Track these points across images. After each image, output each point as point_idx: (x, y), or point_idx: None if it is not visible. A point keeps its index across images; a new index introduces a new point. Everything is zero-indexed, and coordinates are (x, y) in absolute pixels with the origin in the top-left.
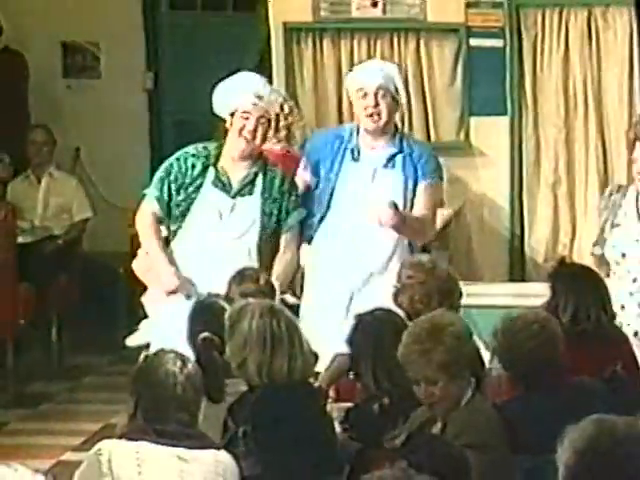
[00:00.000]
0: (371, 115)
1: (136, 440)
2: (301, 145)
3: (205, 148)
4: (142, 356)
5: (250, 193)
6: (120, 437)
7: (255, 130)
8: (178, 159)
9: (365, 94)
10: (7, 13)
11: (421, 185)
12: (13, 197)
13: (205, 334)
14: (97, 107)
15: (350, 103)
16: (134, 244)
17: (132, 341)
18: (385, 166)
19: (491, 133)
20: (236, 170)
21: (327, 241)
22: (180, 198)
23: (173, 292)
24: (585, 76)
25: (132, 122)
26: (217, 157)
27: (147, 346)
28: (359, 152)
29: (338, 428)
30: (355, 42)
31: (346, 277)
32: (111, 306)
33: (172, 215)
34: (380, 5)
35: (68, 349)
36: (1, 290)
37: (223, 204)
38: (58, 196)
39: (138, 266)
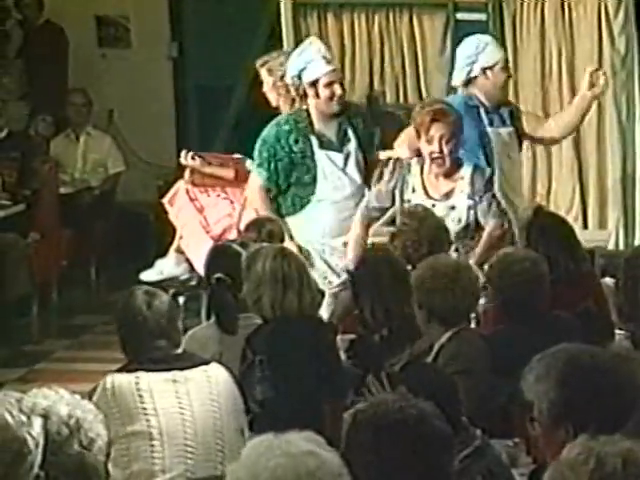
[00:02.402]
0: None
1: (134, 371)
2: None
3: (295, 120)
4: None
5: (349, 140)
6: (120, 370)
7: (343, 94)
8: (279, 139)
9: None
10: None
11: None
12: (55, 153)
13: (218, 274)
14: (128, 73)
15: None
16: (160, 194)
17: (146, 276)
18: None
19: None
20: (329, 128)
21: None
22: (295, 173)
23: None
24: (559, 46)
25: (159, 87)
26: (311, 124)
27: (160, 282)
28: None
29: (343, 357)
30: (355, 16)
31: None
32: (142, 249)
33: (287, 189)
34: None
35: (105, 287)
36: (47, 235)
37: (338, 160)
38: (95, 152)
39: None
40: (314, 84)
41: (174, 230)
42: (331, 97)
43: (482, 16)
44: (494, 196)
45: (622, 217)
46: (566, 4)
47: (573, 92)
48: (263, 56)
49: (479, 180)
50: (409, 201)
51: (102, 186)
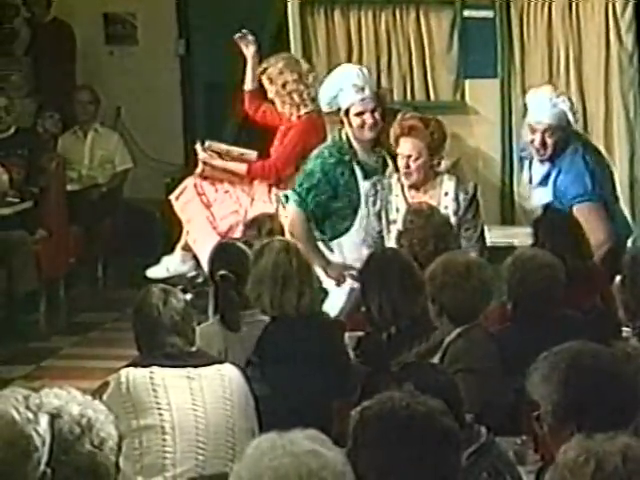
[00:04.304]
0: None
1: (148, 366)
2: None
3: (340, 152)
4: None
5: (387, 166)
6: (134, 365)
7: (375, 123)
8: (326, 173)
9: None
10: None
11: None
12: (63, 150)
13: (222, 271)
14: (136, 71)
15: None
16: (168, 192)
17: (152, 273)
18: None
19: (484, 94)
20: (369, 156)
21: None
22: (338, 204)
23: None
24: (567, 43)
25: (166, 84)
26: (354, 154)
27: (166, 279)
28: None
29: (351, 354)
30: (362, 13)
31: None
32: (149, 246)
33: (328, 218)
34: None
35: (112, 284)
36: (54, 232)
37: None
38: (102, 149)
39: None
40: (346, 113)
41: (181, 227)
42: (362, 125)
43: (489, 13)
44: (477, 223)
45: (629, 214)
46: (573, 2)
47: (580, 87)
48: (264, 61)
49: (462, 195)
50: (394, 221)
51: (109, 183)
